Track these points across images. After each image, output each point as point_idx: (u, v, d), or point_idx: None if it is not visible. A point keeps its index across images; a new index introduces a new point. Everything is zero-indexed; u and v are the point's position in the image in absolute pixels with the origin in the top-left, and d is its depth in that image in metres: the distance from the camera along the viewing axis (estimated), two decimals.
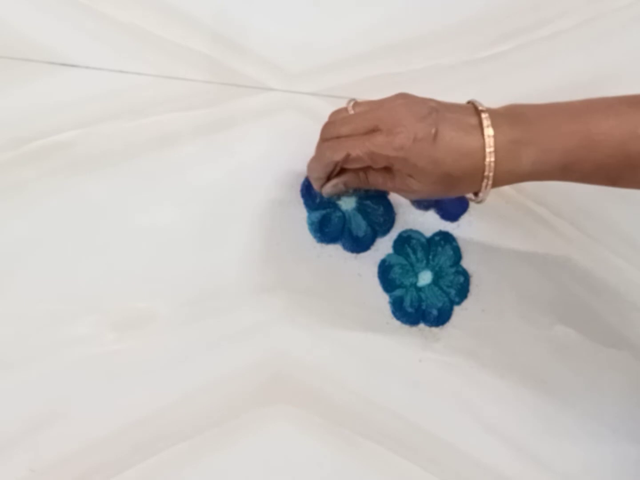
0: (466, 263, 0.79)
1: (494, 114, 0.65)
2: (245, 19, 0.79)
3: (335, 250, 0.78)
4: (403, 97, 0.68)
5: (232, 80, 0.78)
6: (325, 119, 0.72)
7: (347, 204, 0.78)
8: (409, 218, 0.78)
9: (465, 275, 0.78)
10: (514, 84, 0.80)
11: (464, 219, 0.79)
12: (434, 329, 0.78)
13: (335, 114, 0.71)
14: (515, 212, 0.80)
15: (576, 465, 0.77)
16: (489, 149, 0.63)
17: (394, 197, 0.78)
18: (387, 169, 0.67)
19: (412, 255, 0.78)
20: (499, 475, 0.77)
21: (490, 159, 0.63)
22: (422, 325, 0.77)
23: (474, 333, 0.78)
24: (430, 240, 0.78)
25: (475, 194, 0.68)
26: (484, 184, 0.65)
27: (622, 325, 0.79)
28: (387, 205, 0.78)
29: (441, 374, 0.77)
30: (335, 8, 0.81)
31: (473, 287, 0.78)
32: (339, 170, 0.70)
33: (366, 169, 0.69)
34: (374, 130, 0.66)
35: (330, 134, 0.69)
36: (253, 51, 0.79)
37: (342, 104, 0.73)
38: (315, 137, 0.73)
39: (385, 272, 0.77)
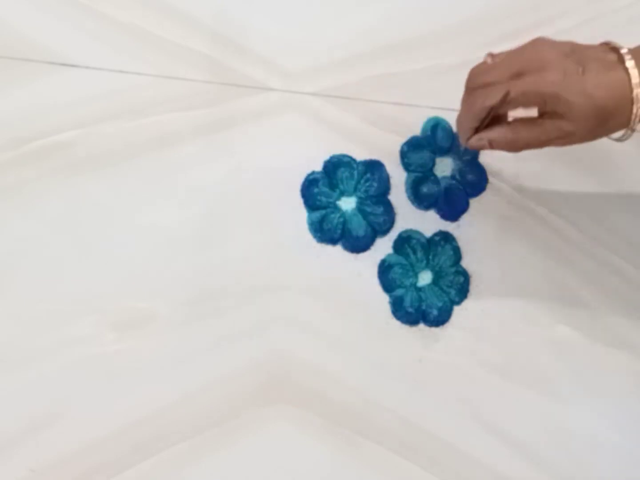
0: (466, 263, 0.79)
1: (631, 50, 0.66)
2: (245, 19, 0.79)
3: (335, 250, 0.78)
4: (541, 40, 0.67)
5: (232, 80, 0.78)
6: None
7: (347, 204, 0.78)
8: (409, 218, 0.79)
9: (465, 275, 0.78)
10: None
11: (464, 219, 0.79)
12: (434, 329, 0.78)
13: (476, 67, 0.70)
14: (515, 212, 0.80)
15: (576, 465, 0.77)
16: (635, 79, 0.64)
17: (394, 197, 0.78)
18: (534, 121, 0.67)
19: (412, 255, 0.78)
20: (499, 475, 0.77)
21: (637, 90, 0.64)
22: (422, 325, 0.77)
23: (474, 333, 0.78)
24: (430, 240, 0.78)
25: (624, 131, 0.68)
26: (633, 116, 0.65)
27: (622, 325, 0.79)
28: (387, 205, 0.78)
29: (441, 374, 0.77)
30: (335, 8, 0.81)
31: (473, 287, 0.78)
32: (487, 123, 0.69)
33: (513, 124, 0.68)
34: (520, 74, 0.66)
35: (476, 82, 0.68)
36: (253, 51, 0.79)
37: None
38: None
39: (385, 272, 0.77)
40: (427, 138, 0.79)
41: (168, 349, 0.75)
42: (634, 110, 0.65)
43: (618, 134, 0.67)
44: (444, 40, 0.81)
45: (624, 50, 0.65)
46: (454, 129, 0.79)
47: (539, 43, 0.67)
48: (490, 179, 0.80)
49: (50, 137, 0.76)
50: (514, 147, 0.68)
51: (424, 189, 0.79)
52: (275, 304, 0.76)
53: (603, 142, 0.80)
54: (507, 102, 0.66)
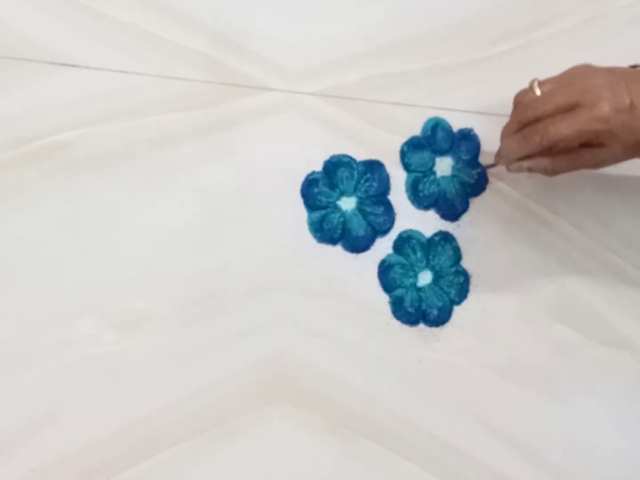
0: (466, 263, 0.79)
1: None
2: (246, 18, 0.79)
3: (335, 250, 0.78)
4: (588, 69, 0.68)
5: (232, 80, 0.78)
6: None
7: (347, 204, 0.78)
8: (409, 218, 0.78)
9: (465, 275, 0.78)
10: (514, 84, 0.80)
11: (464, 219, 0.79)
12: (434, 329, 0.78)
13: (522, 95, 0.71)
14: (515, 212, 0.80)
15: (576, 465, 0.77)
16: None
17: (394, 197, 0.78)
18: (573, 151, 0.68)
19: (412, 255, 0.78)
20: (499, 475, 0.77)
21: None
22: (422, 325, 0.77)
23: (474, 333, 0.78)
24: (430, 240, 0.78)
25: None
26: None
27: (622, 325, 0.79)
28: (387, 205, 0.78)
29: (441, 374, 0.77)
30: (335, 8, 0.81)
31: (473, 287, 0.78)
32: None
33: (554, 155, 0.69)
34: (572, 107, 0.66)
35: (527, 116, 0.69)
36: (253, 51, 0.79)
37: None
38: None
39: (385, 272, 0.77)
40: (427, 138, 0.79)
41: (168, 349, 0.75)
42: None
43: None
44: (444, 40, 0.81)
45: None
46: (454, 129, 0.79)
47: (587, 72, 0.68)
48: (490, 179, 0.80)
49: (50, 137, 0.75)
50: (552, 175, 0.71)
51: (424, 189, 0.79)
52: (275, 304, 0.76)
53: None
54: (558, 143, 0.67)
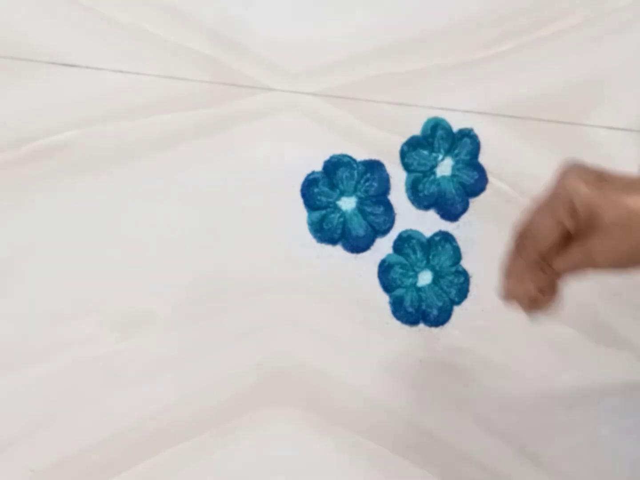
0: (466, 263, 0.79)
1: None
2: (246, 18, 0.79)
3: (335, 250, 0.78)
4: (569, 169, 0.60)
5: (232, 80, 0.78)
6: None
7: (347, 204, 0.78)
8: (409, 218, 0.78)
9: (465, 275, 0.78)
10: (514, 84, 0.80)
11: (464, 219, 0.79)
12: (434, 329, 0.78)
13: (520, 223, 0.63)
14: (515, 212, 0.80)
15: (576, 465, 0.77)
16: None
17: (394, 197, 0.78)
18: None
19: (412, 255, 0.78)
20: (499, 475, 0.77)
21: None
22: (422, 325, 0.77)
23: (474, 333, 0.78)
24: (430, 240, 0.78)
25: None
26: None
27: (622, 325, 0.79)
28: (387, 205, 0.78)
29: (441, 374, 0.77)
30: (335, 8, 0.80)
31: (473, 287, 0.78)
32: None
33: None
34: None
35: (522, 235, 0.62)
36: (253, 51, 0.79)
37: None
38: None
39: (385, 272, 0.77)
40: (427, 138, 0.79)
41: (168, 349, 0.75)
42: None
43: None
44: (444, 40, 0.81)
45: None
46: (454, 129, 0.79)
47: (571, 167, 0.59)
48: (490, 179, 0.80)
49: (50, 137, 0.75)
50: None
51: (424, 189, 0.79)
52: (275, 304, 0.76)
53: (602, 143, 0.80)
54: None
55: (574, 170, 0.58)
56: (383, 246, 0.78)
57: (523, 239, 0.61)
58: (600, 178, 0.57)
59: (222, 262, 0.76)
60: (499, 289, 0.63)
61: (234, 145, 0.78)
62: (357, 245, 0.78)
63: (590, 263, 0.59)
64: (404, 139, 0.79)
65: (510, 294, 0.62)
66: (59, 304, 0.74)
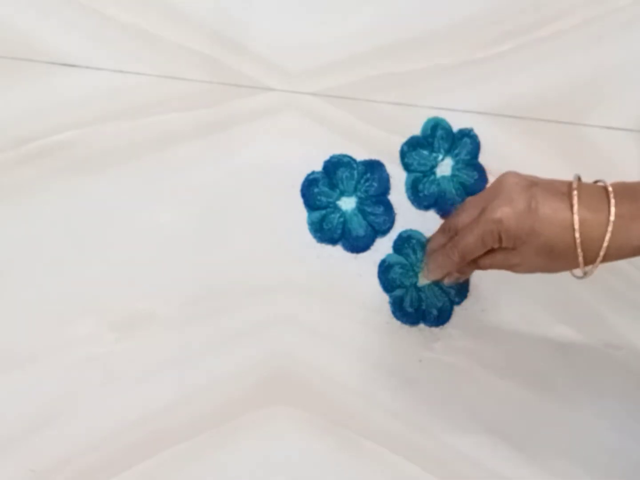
0: None
1: (587, 190, 0.64)
2: (246, 18, 0.79)
3: (335, 250, 0.78)
4: (512, 176, 0.66)
5: (232, 80, 0.78)
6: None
7: (347, 204, 0.78)
8: (409, 218, 0.78)
9: None
10: (514, 84, 0.80)
11: None
12: (434, 329, 0.78)
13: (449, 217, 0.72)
14: None
15: (576, 465, 0.77)
16: (576, 224, 0.63)
17: (394, 197, 0.78)
18: (489, 253, 0.67)
19: (412, 255, 0.78)
20: (498, 476, 0.77)
21: (576, 235, 0.63)
22: (422, 325, 0.77)
23: (474, 333, 0.78)
24: None
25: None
26: (579, 259, 0.64)
27: (622, 325, 0.79)
28: (387, 205, 0.78)
29: (441, 374, 0.77)
30: (335, 8, 0.80)
31: (473, 287, 0.78)
32: None
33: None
34: (481, 213, 0.65)
35: (449, 228, 0.70)
36: (253, 51, 0.79)
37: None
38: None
39: (385, 272, 0.77)
40: (427, 138, 0.79)
41: (168, 349, 0.75)
42: (579, 255, 0.63)
43: (579, 271, 0.65)
44: (444, 40, 0.81)
45: (574, 192, 0.63)
46: (454, 129, 0.79)
47: (507, 179, 0.66)
48: (490, 179, 0.80)
49: (50, 137, 0.75)
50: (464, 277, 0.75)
51: (424, 189, 0.79)
52: (275, 304, 0.76)
53: (602, 143, 0.80)
54: (468, 256, 0.67)
55: (505, 194, 0.65)
56: (383, 246, 0.78)
57: (453, 247, 0.68)
58: (529, 208, 0.64)
59: (222, 262, 0.76)
60: (423, 271, 0.75)
61: (233, 145, 0.78)
62: (357, 245, 0.78)
63: (510, 269, 0.67)
64: (404, 139, 0.79)
65: (432, 275, 0.73)
66: (59, 304, 0.74)
